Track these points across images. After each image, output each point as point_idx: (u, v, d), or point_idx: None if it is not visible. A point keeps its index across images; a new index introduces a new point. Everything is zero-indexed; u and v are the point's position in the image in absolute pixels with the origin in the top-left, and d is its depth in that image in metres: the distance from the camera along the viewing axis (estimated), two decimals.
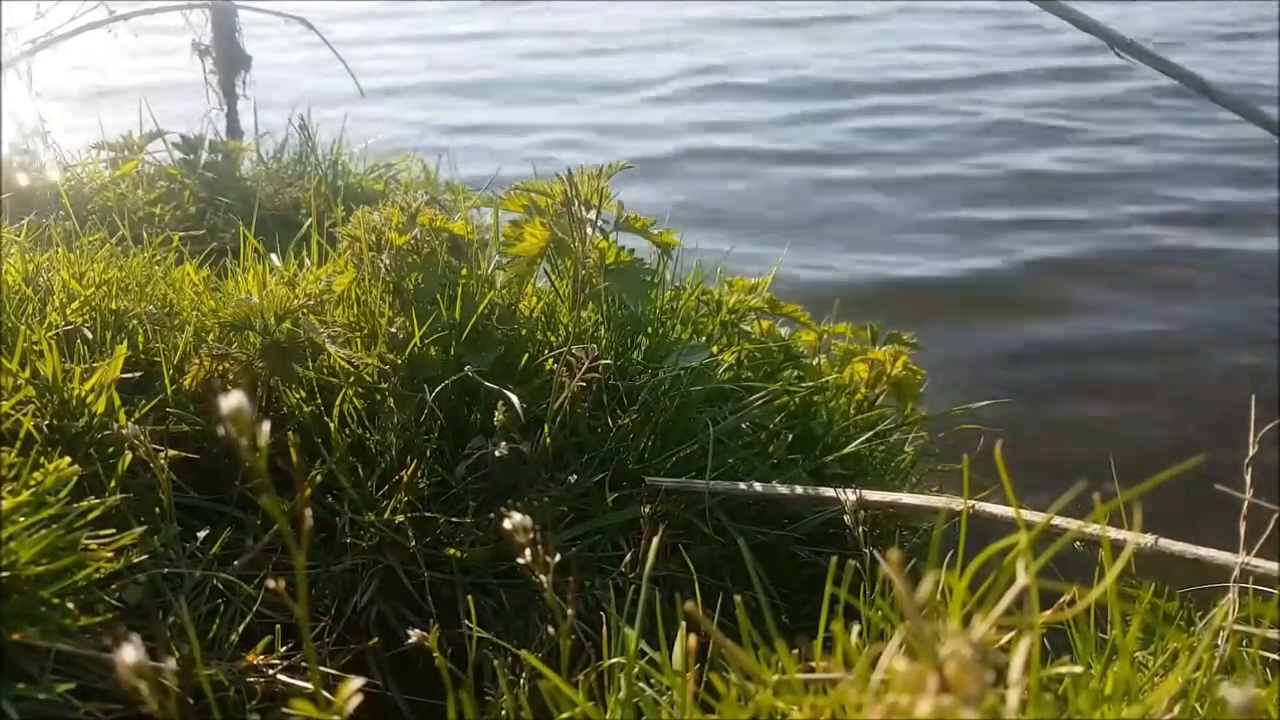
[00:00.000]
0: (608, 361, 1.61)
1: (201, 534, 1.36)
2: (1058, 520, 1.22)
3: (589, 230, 1.65)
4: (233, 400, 0.57)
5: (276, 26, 3.93)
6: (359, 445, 1.60)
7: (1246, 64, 7.24)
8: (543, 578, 0.85)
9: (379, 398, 1.64)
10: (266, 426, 0.58)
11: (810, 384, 1.99)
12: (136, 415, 1.44)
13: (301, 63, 6.52)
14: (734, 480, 1.66)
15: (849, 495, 1.51)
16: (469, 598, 1.49)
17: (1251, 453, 1.33)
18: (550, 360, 1.71)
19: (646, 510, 1.40)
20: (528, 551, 0.84)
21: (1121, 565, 0.67)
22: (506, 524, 0.83)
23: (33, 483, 1.14)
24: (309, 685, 0.99)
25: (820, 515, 1.65)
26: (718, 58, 8.02)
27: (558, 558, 0.86)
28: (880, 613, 0.81)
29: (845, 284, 4.04)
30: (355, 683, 0.63)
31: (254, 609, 1.30)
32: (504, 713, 1.14)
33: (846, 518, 1.39)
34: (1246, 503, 1.28)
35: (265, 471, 0.60)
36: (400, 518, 1.50)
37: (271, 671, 1.23)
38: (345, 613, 1.47)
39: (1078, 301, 4.01)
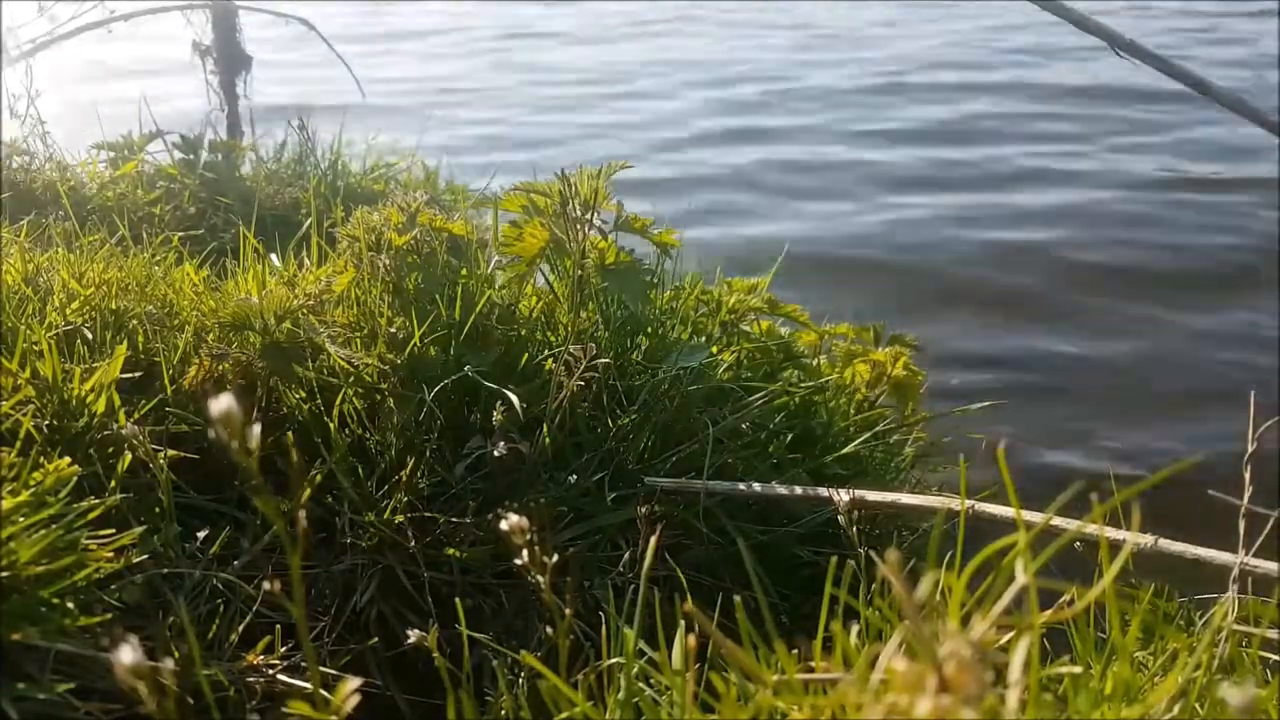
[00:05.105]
0: (606, 360, 1.61)
1: (201, 534, 1.36)
2: (1059, 521, 1.22)
3: (587, 230, 1.65)
4: (222, 403, 0.57)
5: (277, 26, 3.93)
6: (359, 445, 1.60)
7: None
8: (540, 578, 0.85)
9: (379, 398, 1.63)
10: (257, 429, 0.58)
11: (810, 384, 1.99)
12: (136, 415, 1.44)
13: (302, 63, 6.52)
14: (734, 480, 1.66)
15: (842, 495, 1.51)
16: (464, 599, 1.49)
17: (1250, 450, 1.32)
18: (549, 360, 1.71)
19: (644, 510, 1.40)
20: (524, 552, 0.84)
21: (1120, 565, 0.67)
22: (503, 525, 0.83)
23: (33, 483, 1.14)
24: (309, 685, 0.99)
25: (819, 515, 1.65)
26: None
27: (555, 558, 0.86)
28: (879, 613, 0.81)
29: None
30: (353, 683, 0.63)
31: (254, 609, 1.30)
32: (503, 713, 1.14)
33: (841, 518, 1.39)
34: (1245, 502, 1.28)
35: (259, 473, 0.60)
36: (400, 518, 1.50)
37: (271, 671, 1.23)
38: (345, 613, 1.47)
39: (1079, 301, 4.01)
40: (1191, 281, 4.12)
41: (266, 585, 0.66)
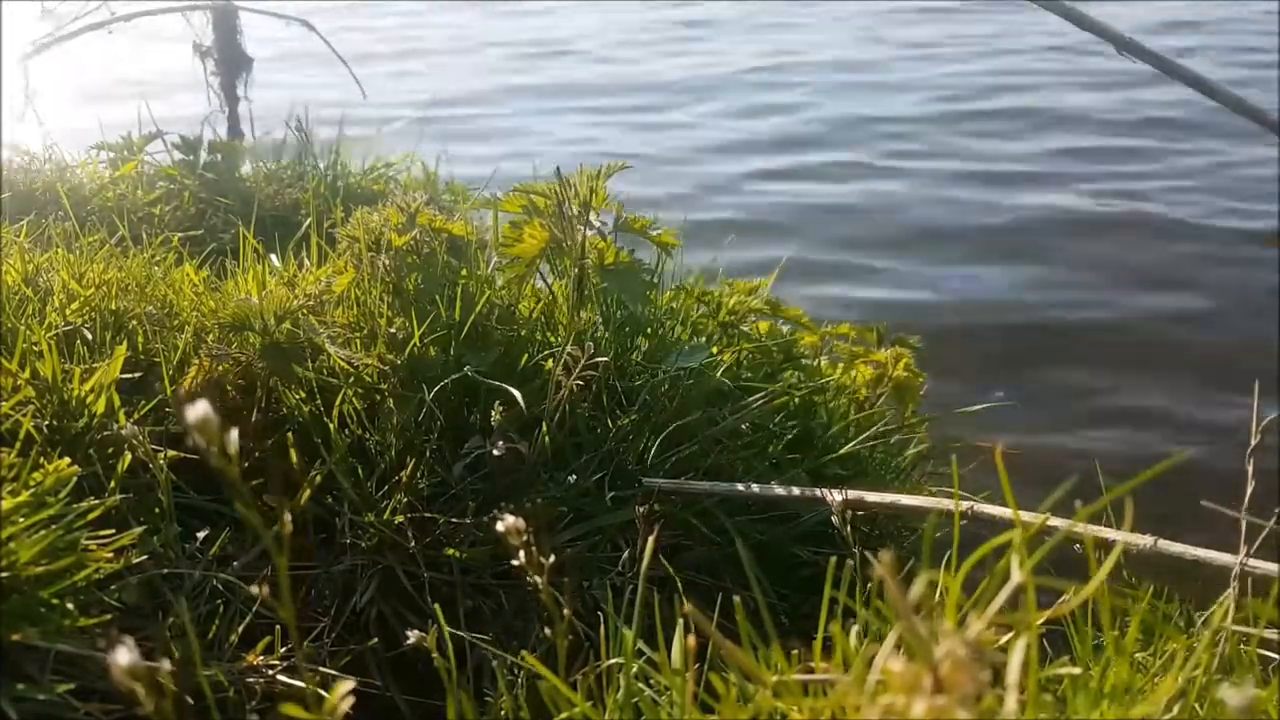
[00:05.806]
0: (605, 360, 1.61)
1: (201, 534, 1.36)
2: (1059, 522, 1.21)
3: (586, 230, 1.65)
4: (199, 409, 0.57)
5: (278, 28, 3.93)
6: (359, 446, 1.60)
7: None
8: (537, 579, 0.85)
9: (379, 398, 1.64)
10: (235, 434, 0.58)
11: (810, 384, 1.98)
12: (136, 415, 1.44)
13: (303, 64, 6.53)
14: (734, 480, 1.66)
15: (835, 496, 1.51)
16: (464, 600, 1.49)
17: (1254, 443, 1.30)
18: (549, 360, 1.71)
19: (642, 510, 1.40)
20: (521, 553, 0.84)
21: (1113, 561, 0.67)
22: (500, 526, 0.83)
23: (33, 483, 1.14)
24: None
25: (817, 515, 1.65)
26: None
27: (552, 559, 0.86)
28: (877, 613, 0.81)
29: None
30: (348, 684, 0.63)
31: (254, 609, 1.30)
32: (503, 713, 1.14)
33: (835, 519, 1.39)
34: (1247, 499, 1.27)
35: (239, 477, 0.59)
36: (400, 518, 1.50)
37: (271, 672, 1.23)
38: (345, 613, 1.47)
39: (1076, 300, 4.01)
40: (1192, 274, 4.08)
41: (255, 588, 0.66)
